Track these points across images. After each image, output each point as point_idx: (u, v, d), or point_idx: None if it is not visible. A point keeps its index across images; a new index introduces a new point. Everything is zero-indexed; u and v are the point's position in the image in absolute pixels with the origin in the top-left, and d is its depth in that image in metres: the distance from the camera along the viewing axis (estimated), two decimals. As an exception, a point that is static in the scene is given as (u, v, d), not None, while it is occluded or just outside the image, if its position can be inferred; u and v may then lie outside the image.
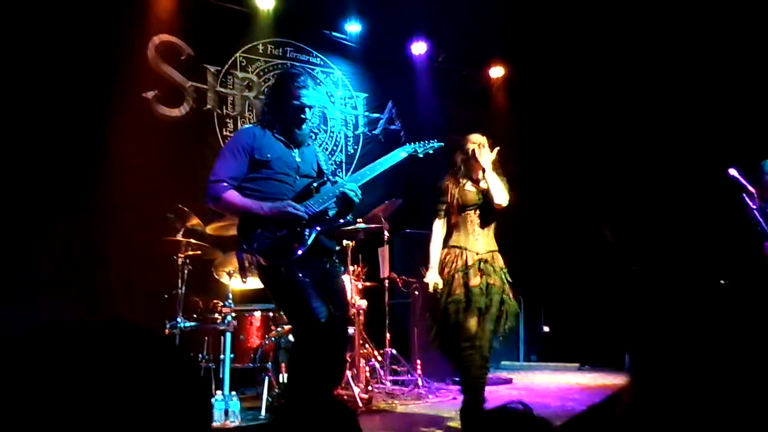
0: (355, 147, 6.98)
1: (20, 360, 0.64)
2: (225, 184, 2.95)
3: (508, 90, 7.73)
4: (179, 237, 4.29)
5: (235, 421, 3.74)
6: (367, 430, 3.40)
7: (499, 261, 3.66)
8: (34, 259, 4.75)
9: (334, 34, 6.90)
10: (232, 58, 6.21)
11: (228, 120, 6.12)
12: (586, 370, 6.56)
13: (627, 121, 6.61)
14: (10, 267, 4.57)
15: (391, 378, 5.19)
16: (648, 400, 0.71)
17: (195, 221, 4.30)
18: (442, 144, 3.55)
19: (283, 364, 4.13)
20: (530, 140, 6.93)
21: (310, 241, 2.89)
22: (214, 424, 3.66)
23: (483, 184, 3.66)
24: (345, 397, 4.29)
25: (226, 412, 3.74)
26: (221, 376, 3.98)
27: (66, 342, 0.65)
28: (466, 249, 3.58)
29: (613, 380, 5.69)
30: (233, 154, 3.02)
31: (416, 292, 5.50)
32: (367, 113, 7.11)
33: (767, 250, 4.47)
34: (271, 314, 4.55)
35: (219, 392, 3.88)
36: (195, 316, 4.38)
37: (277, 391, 4.12)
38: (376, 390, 4.86)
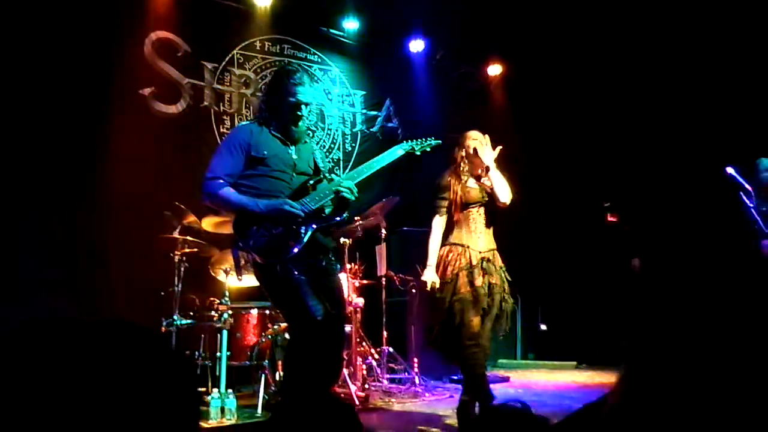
0: (353, 144, 6.97)
1: (5, 355, 0.63)
2: (221, 181, 2.94)
3: (507, 88, 7.72)
4: (176, 234, 4.28)
5: (231, 419, 3.72)
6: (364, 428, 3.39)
7: (499, 260, 3.64)
8: (33, 258, 4.73)
9: (331, 31, 6.88)
10: (230, 55, 6.19)
11: (225, 117, 6.10)
12: (583, 368, 6.57)
13: (625, 118, 6.61)
14: (8, 267, 4.57)
15: (388, 376, 5.19)
16: (640, 400, 0.70)
17: (192, 218, 4.28)
18: (440, 142, 3.52)
19: (279, 362, 4.12)
20: (528, 138, 6.92)
21: (305, 239, 2.89)
22: (211, 421, 3.66)
23: (486, 182, 3.63)
24: (342, 395, 4.29)
25: (223, 410, 3.72)
26: (218, 373, 3.97)
27: (51, 338, 0.65)
28: (468, 247, 3.53)
29: (611, 378, 5.68)
30: (230, 151, 3.01)
31: (413, 290, 5.50)
32: (364, 111, 7.10)
33: (764, 248, 4.48)
34: (267, 312, 4.55)
35: (215, 390, 3.87)
36: (191, 313, 4.36)
37: (273, 388, 4.12)
38: (372, 388, 4.86)
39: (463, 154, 3.67)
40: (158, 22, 5.68)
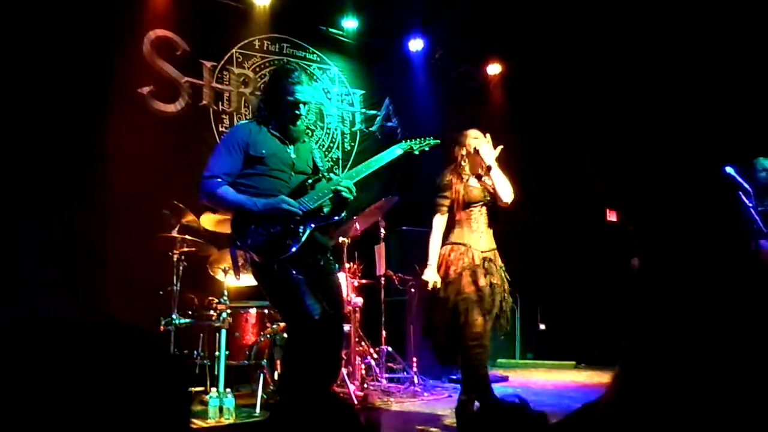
0: (352, 144, 6.96)
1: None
2: (219, 179, 2.93)
3: (506, 87, 7.71)
4: (174, 233, 4.27)
5: (229, 418, 3.72)
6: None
7: (499, 259, 3.62)
8: (33, 258, 4.72)
9: (331, 30, 6.88)
10: (228, 54, 6.19)
11: (224, 116, 6.10)
12: (582, 368, 6.58)
13: (625, 118, 6.61)
14: (8, 267, 4.56)
15: (386, 375, 5.18)
16: (633, 399, 0.70)
17: (190, 218, 4.27)
18: (439, 141, 3.51)
19: (278, 361, 4.12)
20: (527, 137, 6.92)
21: (303, 238, 2.88)
22: (209, 421, 3.65)
23: (487, 181, 3.61)
24: (341, 394, 4.28)
25: (221, 409, 3.72)
26: (216, 373, 3.97)
27: (37, 338, 0.64)
28: (470, 246, 3.49)
29: (610, 378, 5.69)
30: (228, 150, 3.00)
31: (412, 290, 5.49)
32: (363, 110, 7.09)
33: (762, 248, 4.47)
34: (266, 311, 4.54)
35: (214, 389, 3.87)
36: (190, 312, 4.36)
37: (272, 388, 4.11)
38: (371, 387, 4.85)
39: (464, 152, 3.63)
40: (157, 21, 5.68)
